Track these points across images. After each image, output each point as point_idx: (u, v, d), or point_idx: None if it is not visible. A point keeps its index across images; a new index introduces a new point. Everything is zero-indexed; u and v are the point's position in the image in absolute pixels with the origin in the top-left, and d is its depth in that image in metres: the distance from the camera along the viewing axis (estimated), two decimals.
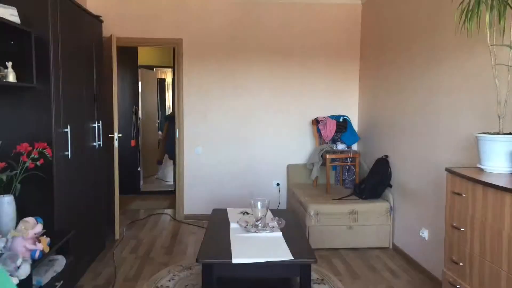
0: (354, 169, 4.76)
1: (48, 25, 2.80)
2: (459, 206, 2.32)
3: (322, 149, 4.85)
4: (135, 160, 6.84)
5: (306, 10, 5.11)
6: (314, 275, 3.44)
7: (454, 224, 2.36)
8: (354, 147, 5.12)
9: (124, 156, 6.14)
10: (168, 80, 11.04)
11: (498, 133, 2.30)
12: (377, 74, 4.68)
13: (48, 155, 2.72)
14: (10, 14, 2.61)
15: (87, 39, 3.61)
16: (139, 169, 6.91)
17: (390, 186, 4.22)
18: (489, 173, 2.25)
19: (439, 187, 3.27)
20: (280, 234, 2.90)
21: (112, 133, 4.37)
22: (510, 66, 2.27)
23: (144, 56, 7.59)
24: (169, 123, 6.18)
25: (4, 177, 2.51)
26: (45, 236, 2.52)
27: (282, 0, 5.05)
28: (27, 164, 2.62)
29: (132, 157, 6.75)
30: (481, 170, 2.30)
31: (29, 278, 2.25)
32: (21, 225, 2.34)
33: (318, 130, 5.03)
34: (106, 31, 4.50)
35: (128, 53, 6.58)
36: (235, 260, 2.48)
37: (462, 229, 2.28)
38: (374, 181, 4.30)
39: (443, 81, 3.32)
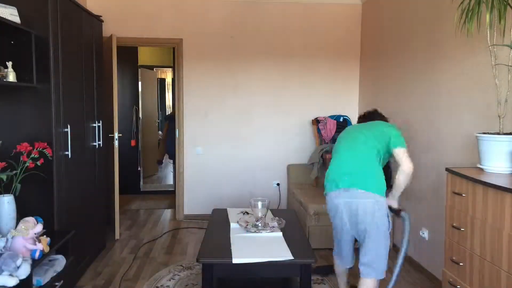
0: None
1: (48, 25, 2.80)
2: (459, 206, 2.32)
3: (322, 149, 4.85)
4: (135, 160, 6.84)
5: (306, 10, 5.11)
6: (314, 275, 3.44)
7: (454, 224, 2.36)
8: None
9: (124, 156, 6.14)
10: (168, 80, 11.03)
11: (498, 133, 2.30)
12: (377, 74, 4.68)
13: (48, 154, 2.72)
14: (10, 14, 2.61)
15: (87, 39, 3.61)
16: (139, 169, 6.91)
17: (391, 186, 4.21)
18: (489, 173, 2.25)
19: (439, 187, 3.27)
20: (280, 234, 2.90)
21: (112, 133, 4.37)
22: (510, 66, 2.27)
23: (144, 56, 7.58)
24: (169, 123, 6.18)
25: (4, 177, 2.51)
26: (45, 236, 2.52)
27: (282, 0, 5.05)
28: (27, 164, 2.62)
29: (132, 157, 6.75)
30: (481, 170, 2.30)
31: (29, 278, 2.25)
32: (21, 225, 2.34)
33: (318, 130, 5.03)
34: (106, 31, 4.50)
35: (128, 53, 6.58)
36: (235, 260, 2.48)
37: (462, 229, 2.28)
38: None
39: (443, 81, 3.31)
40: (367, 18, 5.02)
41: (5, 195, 2.51)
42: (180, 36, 5.03)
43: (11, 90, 2.79)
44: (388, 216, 2.54)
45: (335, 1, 5.10)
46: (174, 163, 5.71)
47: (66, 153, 3.08)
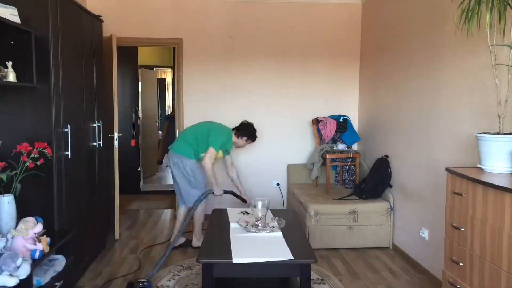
0: (354, 169, 4.76)
1: (48, 25, 2.80)
2: (459, 206, 2.32)
3: (322, 149, 4.85)
4: (135, 160, 6.84)
5: (306, 10, 5.11)
6: (314, 275, 3.44)
7: (454, 224, 2.35)
8: (354, 147, 5.12)
9: (124, 156, 6.13)
10: (168, 80, 11.03)
11: (498, 133, 2.30)
12: (377, 74, 4.68)
13: (48, 154, 2.71)
14: (10, 14, 2.61)
15: (87, 39, 3.61)
16: (139, 169, 6.91)
17: (390, 186, 4.22)
18: (489, 173, 2.24)
19: (439, 187, 3.27)
20: (280, 234, 2.90)
21: (112, 133, 4.37)
22: (510, 66, 2.27)
23: (144, 56, 7.59)
24: (169, 122, 6.18)
25: (4, 177, 2.51)
26: (45, 236, 2.52)
27: (282, 0, 5.05)
28: (27, 164, 2.62)
29: (132, 157, 6.75)
30: (481, 170, 2.30)
31: (29, 278, 2.25)
32: (21, 225, 2.34)
33: (318, 130, 5.03)
34: (106, 31, 4.49)
35: (128, 53, 6.58)
36: (235, 260, 2.48)
37: (462, 229, 2.28)
38: (374, 181, 4.30)
39: (443, 81, 3.31)
40: (367, 18, 5.02)
41: (5, 195, 2.51)
42: (180, 36, 5.03)
43: (11, 90, 2.78)
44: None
45: (335, 1, 5.10)
46: None
47: (66, 153, 3.08)
